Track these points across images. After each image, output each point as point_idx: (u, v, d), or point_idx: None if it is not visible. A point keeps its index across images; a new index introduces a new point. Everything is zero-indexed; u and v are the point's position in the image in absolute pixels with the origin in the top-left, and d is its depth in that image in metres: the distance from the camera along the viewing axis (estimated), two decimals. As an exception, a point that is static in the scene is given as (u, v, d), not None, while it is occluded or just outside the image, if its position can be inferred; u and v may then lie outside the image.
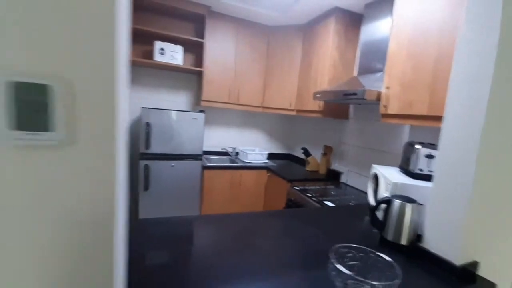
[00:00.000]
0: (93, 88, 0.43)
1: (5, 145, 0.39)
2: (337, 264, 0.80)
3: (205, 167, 2.71)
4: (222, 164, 2.87)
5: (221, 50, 2.84)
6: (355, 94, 1.80)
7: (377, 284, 0.76)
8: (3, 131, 0.38)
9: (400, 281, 0.77)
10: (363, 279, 0.75)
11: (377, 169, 1.64)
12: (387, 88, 1.73)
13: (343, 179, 2.60)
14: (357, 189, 2.41)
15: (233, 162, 3.13)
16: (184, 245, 1.09)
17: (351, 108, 2.57)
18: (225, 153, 3.34)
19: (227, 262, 0.97)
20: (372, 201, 1.68)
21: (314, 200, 1.97)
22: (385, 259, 0.88)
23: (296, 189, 2.26)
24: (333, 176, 2.69)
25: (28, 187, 0.41)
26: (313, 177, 2.69)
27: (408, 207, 1.18)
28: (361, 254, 0.92)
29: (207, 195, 2.77)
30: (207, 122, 3.19)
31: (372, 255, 0.92)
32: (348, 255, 0.91)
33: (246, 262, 0.99)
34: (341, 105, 2.54)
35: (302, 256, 1.07)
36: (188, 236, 1.18)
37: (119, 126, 0.46)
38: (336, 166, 2.73)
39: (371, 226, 1.44)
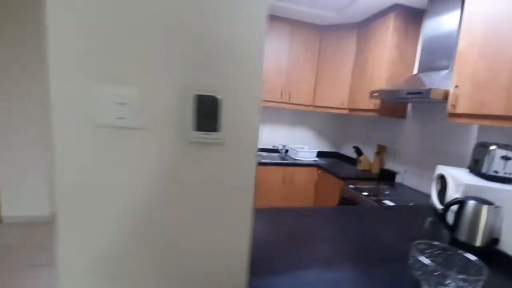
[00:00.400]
0: (244, 100, 0.54)
1: (189, 142, 0.52)
2: (420, 256, 0.85)
3: (260, 163, 2.85)
4: (276, 161, 2.99)
5: (275, 51, 2.94)
6: (419, 93, 1.78)
7: (461, 277, 0.79)
8: (189, 132, 0.51)
9: (486, 277, 0.80)
10: (448, 271, 0.79)
11: (444, 170, 1.61)
12: (456, 86, 1.68)
13: (398, 179, 2.56)
14: (414, 189, 2.36)
15: (282, 159, 3.23)
16: (255, 235, 1.20)
17: (409, 106, 2.51)
18: (274, 150, 3.45)
19: (295, 253, 1.06)
20: (436, 202, 1.66)
21: (372, 199, 1.99)
22: (467, 257, 0.90)
23: (351, 187, 2.28)
24: (387, 176, 2.65)
25: (201, 172, 0.55)
26: (365, 176, 2.68)
27: (484, 208, 1.17)
28: (439, 251, 0.95)
29: (261, 190, 2.90)
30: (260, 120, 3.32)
31: (450, 252, 0.95)
32: (427, 251, 0.95)
33: (314, 254, 1.07)
34: (398, 103, 2.49)
35: (372, 250, 1.13)
36: (260, 227, 1.29)
37: (259, 129, 0.57)
38: (390, 165, 2.69)
39: (437, 226, 1.44)
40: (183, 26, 0.50)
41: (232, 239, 0.60)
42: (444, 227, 1.31)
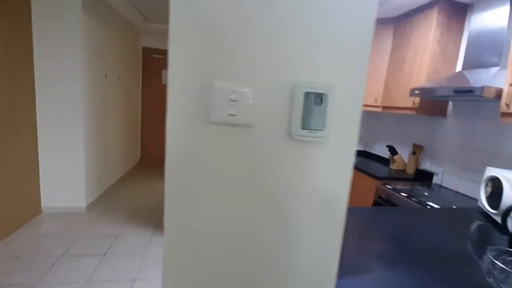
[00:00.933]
0: (349, 98, 0.53)
1: (294, 140, 0.52)
2: (497, 261, 0.81)
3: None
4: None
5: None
6: (471, 91, 1.70)
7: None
8: (297, 130, 0.51)
9: None
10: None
11: (497, 172, 1.54)
12: (511, 85, 1.60)
13: (436, 180, 2.47)
14: (454, 191, 2.27)
15: (311, 157, 3.19)
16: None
17: (450, 105, 2.41)
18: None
19: (355, 252, 1.05)
20: (486, 205, 1.60)
21: (414, 200, 1.93)
22: (545, 265, 0.86)
23: (388, 187, 2.23)
24: (423, 177, 2.57)
25: (301, 171, 0.54)
26: (400, 176, 2.61)
27: (553, 214, 1.10)
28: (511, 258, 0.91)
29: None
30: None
31: (524, 259, 0.90)
32: (500, 257, 0.91)
33: (374, 254, 1.05)
34: (439, 101, 2.40)
35: (431, 253, 1.09)
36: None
37: (358, 130, 0.56)
38: (427, 166, 2.60)
39: (488, 229, 1.38)
40: (296, 25, 0.49)
41: (324, 241, 0.59)
42: (503, 232, 1.25)
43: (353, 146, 0.54)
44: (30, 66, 2.79)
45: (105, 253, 2.43)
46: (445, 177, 2.39)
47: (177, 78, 0.47)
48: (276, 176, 0.53)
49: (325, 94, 0.50)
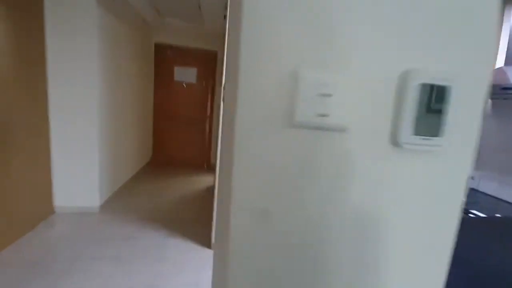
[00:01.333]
0: (472, 93, 0.40)
1: (402, 149, 0.38)
2: None
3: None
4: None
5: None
6: (523, 88, 1.54)
7: None
8: (406, 136, 0.37)
9: None
10: None
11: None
12: None
13: (472, 184, 2.30)
14: (494, 197, 2.10)
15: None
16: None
17: (488, 103, 2.23)
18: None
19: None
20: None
21: (453, 207, 1.77)
22: None
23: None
24: (455, 180, 2.40)
25: (410, 189, 0.41)
26: (430, 180, 2.44)
27: None
28: None
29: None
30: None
31: None
32: None
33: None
34: (475, 100, 2.23)
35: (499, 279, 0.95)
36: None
37: (478, 135, 0.42)
38: (459, 169, 2.43)
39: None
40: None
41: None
42: None
43: (470, 158, 0.41)
44: (42, 63, 2.71)
45: (120, 257, 2.34)
46: (482, 181, 2.21)
47: (249, 65, 0.35)
48: (375, 199, 0.40)
49: (448, 86, 0.37)
